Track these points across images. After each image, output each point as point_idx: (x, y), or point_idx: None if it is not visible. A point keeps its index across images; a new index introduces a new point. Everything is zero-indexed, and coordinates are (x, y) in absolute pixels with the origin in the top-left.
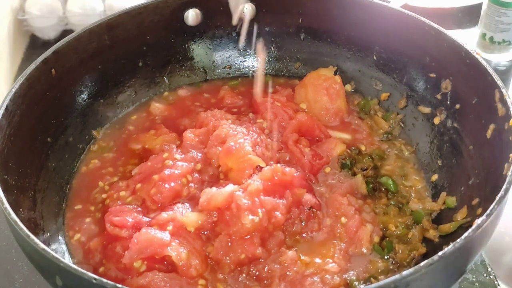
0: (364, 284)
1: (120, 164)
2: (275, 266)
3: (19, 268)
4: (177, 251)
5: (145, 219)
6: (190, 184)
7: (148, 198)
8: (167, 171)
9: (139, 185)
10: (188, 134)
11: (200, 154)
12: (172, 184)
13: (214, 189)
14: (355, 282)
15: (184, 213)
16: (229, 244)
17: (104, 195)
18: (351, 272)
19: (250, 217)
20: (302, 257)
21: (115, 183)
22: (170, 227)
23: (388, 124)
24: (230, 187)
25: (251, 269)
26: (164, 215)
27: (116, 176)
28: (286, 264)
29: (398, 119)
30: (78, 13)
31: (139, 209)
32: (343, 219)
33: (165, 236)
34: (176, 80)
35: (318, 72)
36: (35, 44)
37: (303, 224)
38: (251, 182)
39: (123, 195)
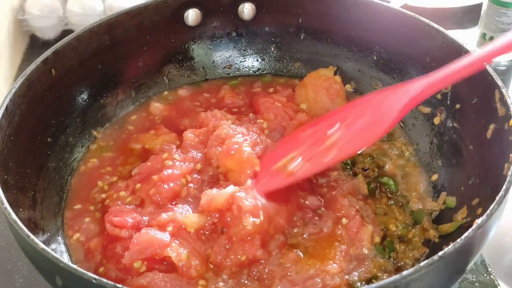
0: (366, 285)
1: (119, 163)
2: (276, 267)
3: (19, 268)
4: (177, 252)
5: (145, 219)
6: (189, 185)
7: (147, 198)
8: (166, 172)
9: (138, 185)
10: (188, 134)
11: (200, 154)
12: (171, 184)
13: (214, 190)
14: (357, 283)
15: (184, 214)
16: (228, 246)
17: (103, 195)
18: (353, 272)
19: (251, 219)
20: (303, 258)
21: (115, 183)
22: (170, 228)
23: None
24: (230, 188)
25: (252, 270)
26: (164, 215)
27: (115, 176)
28: (287, 265)
29: None
30: (78, 13)
31: (139, 209)
32: (344, 220)
33: (165, 236)
34: (176, 80)
35: (318, 73)
36: (35, 44)
37: (304, 225)
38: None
39: (122, 195)
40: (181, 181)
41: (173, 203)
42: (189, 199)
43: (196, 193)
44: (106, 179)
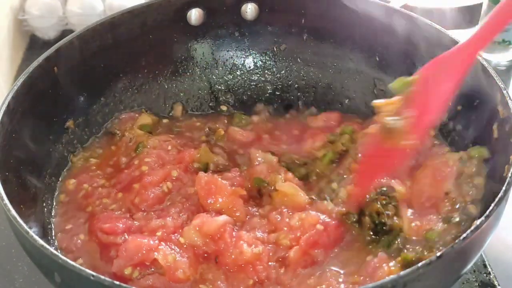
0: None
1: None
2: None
3: (19, 268)
4: (163, 253)
5: (136, 223)
6: (172, 191)
7: (133, 207)
8: (147, 179)
9: (120, 194)
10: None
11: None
12: (155, 190)
13: (206, 215)
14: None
15: (180, 222)
16: (228, 270)
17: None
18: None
19: (249, 248)
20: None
21: (95, 189)
22: (159, 233)
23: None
24: (223, 217)
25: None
26: (156, 221)
27: (103, 179)
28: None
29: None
30: (78, 13)
31: (127, 214)
32: None
33: (153, 241)
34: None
35: None
36: (35, 44)
37: None
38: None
39: (105, 202)
40: (163, 188)
41: (161, 206)
42: (177, 204)
43: (181, 198)
44: (94, 181)
